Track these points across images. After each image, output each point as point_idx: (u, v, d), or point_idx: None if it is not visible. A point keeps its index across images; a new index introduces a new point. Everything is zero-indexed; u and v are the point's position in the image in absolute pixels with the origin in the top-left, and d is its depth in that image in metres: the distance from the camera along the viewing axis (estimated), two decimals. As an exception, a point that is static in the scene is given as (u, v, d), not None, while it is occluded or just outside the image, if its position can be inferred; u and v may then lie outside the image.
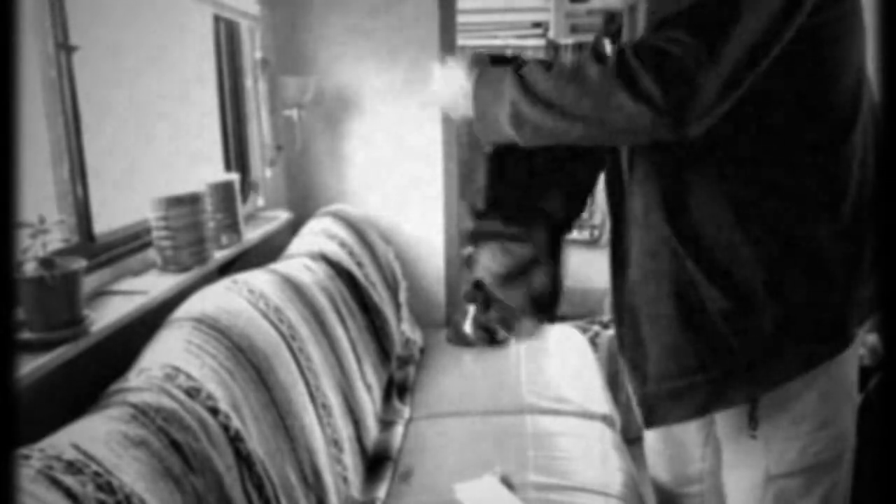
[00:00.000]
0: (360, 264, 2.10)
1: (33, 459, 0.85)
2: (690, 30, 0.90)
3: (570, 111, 0.94)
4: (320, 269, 1.88)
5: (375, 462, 1.72)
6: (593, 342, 2.82)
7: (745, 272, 1.04)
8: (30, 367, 1.09)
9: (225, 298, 1.44)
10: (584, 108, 0.93)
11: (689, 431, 1.35)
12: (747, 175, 1.02)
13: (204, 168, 2.05)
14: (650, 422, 1.16)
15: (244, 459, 1.17)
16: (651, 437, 1.47)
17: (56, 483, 0.83)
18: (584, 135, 0.96)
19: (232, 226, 1.83)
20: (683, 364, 1.09)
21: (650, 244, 1.08)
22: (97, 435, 0.95)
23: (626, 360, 1.16)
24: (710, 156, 1.03)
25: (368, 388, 1.84)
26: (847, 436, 1.15)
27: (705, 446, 1.33)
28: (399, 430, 1.87)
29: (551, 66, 0.98)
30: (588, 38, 1.42)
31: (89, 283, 1.38)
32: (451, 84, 1.11)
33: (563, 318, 3.40)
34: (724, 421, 1.19)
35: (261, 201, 2.33)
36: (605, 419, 1.89)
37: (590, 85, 0.92)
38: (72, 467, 0.87)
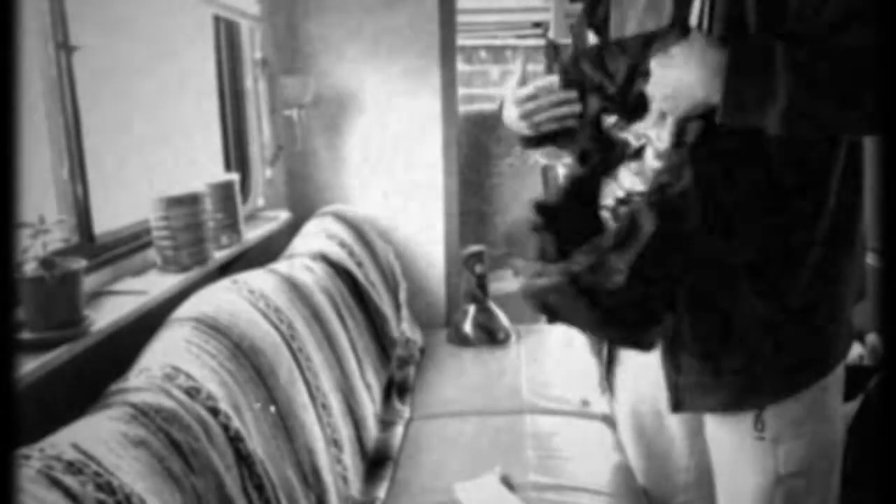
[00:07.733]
0: (360, 264, 2.10)
1: (33, 459, 0.85)
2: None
3: (854, 103, 0.94)
4: (320, 269, 1.88)
5: (375, 462, 1.72)
6: (593, 342, 2.81)
7: (792, 289, 1.06)
8: (30, 367, 1.09)
9: (225, 298, 1.44)
10: (860, 99, 0.94)
11: (674, 444, 1.33)
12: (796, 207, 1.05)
13: (204, 168, 2.05)
14: (678, 408, 1.17)
15: (244, 459, 1.17)
16: (633, 454, 1.46)
17: (56, 483, 0.83)
18: (850, 126, 0.99)
19: (232, 226, 1.83)
20: (716, 359, 1.11)
21: None
22: (97, 435, 0.95)
23: (663, 347, 1.15)
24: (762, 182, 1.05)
25: (368, 388, 1.84)
26: (840, 431, 1.17)
27: (690, 457, 1.31)
28: (399, 430, 1.87)
29: (822, 52, 0.95)
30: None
31: (89, 283, 1.38)
32: (693, 64, 0.97)
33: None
34: (723, 427, 1.17)
35: (261, 201, 2.33)
36: (605, 419, 1.89)
37: (862, 80, 0.93)
38: (72, 467, 0.86)
